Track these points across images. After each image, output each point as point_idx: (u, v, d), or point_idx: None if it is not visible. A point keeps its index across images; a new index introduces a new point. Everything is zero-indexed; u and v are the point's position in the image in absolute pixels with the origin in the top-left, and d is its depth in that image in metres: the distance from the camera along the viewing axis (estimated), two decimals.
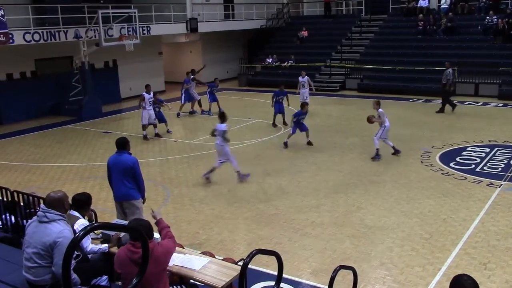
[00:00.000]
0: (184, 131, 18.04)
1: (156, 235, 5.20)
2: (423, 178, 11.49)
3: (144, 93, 16.15)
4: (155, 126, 16.43)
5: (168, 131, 16.87)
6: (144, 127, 16.15)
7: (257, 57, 29.36)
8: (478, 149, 13.71)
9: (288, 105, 17.22)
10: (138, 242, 4.45)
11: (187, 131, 17.78)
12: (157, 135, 16.38)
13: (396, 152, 13.33)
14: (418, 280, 7.10)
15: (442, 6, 26.84)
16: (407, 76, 23.29)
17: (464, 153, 13.40)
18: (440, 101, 19.09)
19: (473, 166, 12.25)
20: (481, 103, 20.49)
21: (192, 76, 20.21)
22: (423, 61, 23.07)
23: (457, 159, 12.88)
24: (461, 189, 10.70)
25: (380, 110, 13.01)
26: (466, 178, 11.37)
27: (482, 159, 12.78)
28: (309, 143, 14.75)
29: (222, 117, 11.51)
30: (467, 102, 20.69)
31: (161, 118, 16.75)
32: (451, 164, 12.41)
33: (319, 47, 27.83)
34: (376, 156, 13.10)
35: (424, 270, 7.35)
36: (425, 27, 25.31)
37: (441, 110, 18.70)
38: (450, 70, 18.63)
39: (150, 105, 16.15)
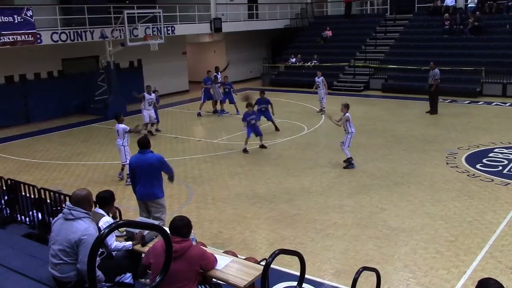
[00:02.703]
0: (207, 130, 18.13)
1: (192, 235, 5.21)
2: (448, 180, 11.32)
3: (145, 94, 16.33)
4: (152, 124, 16.75)
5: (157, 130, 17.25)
6: (146, 125, 16.34)
7: (280, 57, 29.32)
8: (505, 150, 13.45)
9: (273, 113, 16.52)
10: (176, 237, 4.50)
11: (210, 130, 17.86)
12: (150, 132, 16.45)
13: (349, 164, 12.49)
14: (443, 283, 7.00)
15: (469, 5, 26.41)
16: None
17: (491, 154, 13.16)
18: (429, 102, 18.87)
19: (500, 168, 12.02)
20: (508, 104, 20.08)
21: (215, 74, 20.28)
22: (449, 61, 22.70)
23: (484, 160, 12.65)
24: (487, 191, 10.52)
25: (347, 114, 12.25)
26: (493, 180, 11.16)
27: (510, 161, 12.53)
28: (262, 146, 14.56)
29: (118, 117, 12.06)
30: (495, 103, 20.32)
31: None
32: (478, 166, 12.20)
33: (343, 46, 27.65)
34: (350, 165, 12.48)
35: (449, 273, 7.24)
36: (451, 26, 24.93)
37: (434, 111, 18.38)
38: (437, 70, 18.24)
39: (150, 105, 16.38)
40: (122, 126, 11.84)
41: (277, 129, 16.58)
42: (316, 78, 19.53)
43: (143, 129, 15.38)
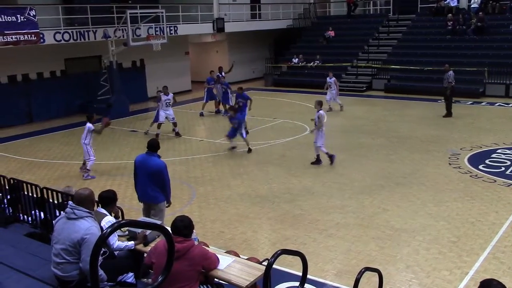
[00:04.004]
0: (210, 130, 18.14)
1: (194, 235, 5.21)
2: (451, 181, 11.30)
3: (161, 95, 16.36)
4: (175, 125, 16.65)
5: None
6: (159, 125, 16.40)
7: (283, 57, 29.31)
8: (508, 151, 13.42)
9: (250, 109, 16.35)
10: (178, 237, 4.51)
11: (213, 131, 17.86)
12: (177, 134, 16.61)
13: (317, 162, 12.82)
14: (445, 284, 6.99)
15: (472, 6, 26.35)
16: (436, 76, 22.85)
17: (493, 155, 13.13)
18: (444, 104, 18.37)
19: (503, 168, 12.00)
20: (511, 104, 20.03)
21: (217, 74, 20.24)
22: (452, 61, 22.54)
23: (487, 161, 12.62)
24: (490, 192, 10.49)
25: (320, 111, 12.44)
26: (495, 181, 11.14)
27: None
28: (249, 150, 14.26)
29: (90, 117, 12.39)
30: (497, 104, 20.27)
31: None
32: (480, 167, 12.17)
33: (346, 47, 27.63)
34: (317, 162, 12.81)
35: (451, 274, 7.23)
36: (454, 27, 24.87)
37: (449, 114, 17.96)
38: (451, 72, 17.92)
39: (167, 106, 16.35)
40: (88, 125, 12.23)
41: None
42: (328, 78, 19.60)
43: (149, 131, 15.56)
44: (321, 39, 28.81)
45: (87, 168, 12.48)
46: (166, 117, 16.39)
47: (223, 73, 20.62)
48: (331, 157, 12.80)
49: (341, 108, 19.76)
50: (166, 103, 16.29)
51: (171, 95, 16.57)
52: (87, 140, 12.23)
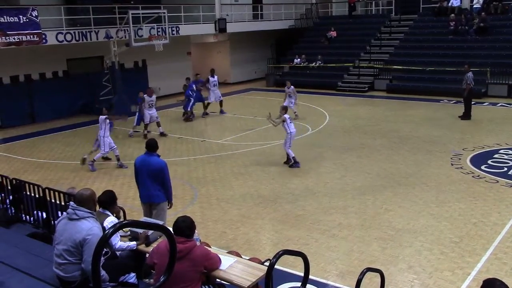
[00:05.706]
0: (211, 130, 18.14)
1: (196, 236, 5.20)
2: (453, 181, 11.28)
3: (145, 96, 16.51)
4: (158, 124, 16.83)
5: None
6: (146, 126, 16.60)
7: (285, 57, 29.29)
8: (510, 151, 13.39)
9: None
10: (180, 237, 4.51)
11: (214, 131, 17.87)
12: (161, 134, 16.66)
13: (293, 163, 12.86)
14: (447, 284, 6.99)
15: (474, 6, 26.30)
16: (438, 77, 22.90)
17: (496, 155, 13.11)
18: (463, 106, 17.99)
19: (506, 169, 11.97)
20: None
21: (207, 77, 20.11)
22: (454, 61, 22.63)
23: (489, 161, 12.60)
24: (492, 193, 10.47)
25: (285, 116, 12.73)
26: (498, 182, 11.12)
27: None
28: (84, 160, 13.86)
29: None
30: (500, 104, 20.24)
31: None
32: (483, 167, 12.15)
33: (348, 47, 27.59)
34: (295, 164, 12.83)
35: (454, 275, 7.22)
36: (456, 27, 24.83)
37: (466, 117, 17.61)
38: (470, 73, 17.48)
39: (150, 107, 16.53)
40: (102, 117, 13.15)
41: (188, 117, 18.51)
42: (286, 88, 19.17)
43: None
44: (323, 39, 28.78)
45: (94, 158, 13.26)
46: (150, 117, 16.59)
47: (215, 76, 20.27)
48: (288, 159, 12.97)
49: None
50: (150, 104, 16.48)
51: (154, 96, 16.74)
52: (102, 133, 13.15)
